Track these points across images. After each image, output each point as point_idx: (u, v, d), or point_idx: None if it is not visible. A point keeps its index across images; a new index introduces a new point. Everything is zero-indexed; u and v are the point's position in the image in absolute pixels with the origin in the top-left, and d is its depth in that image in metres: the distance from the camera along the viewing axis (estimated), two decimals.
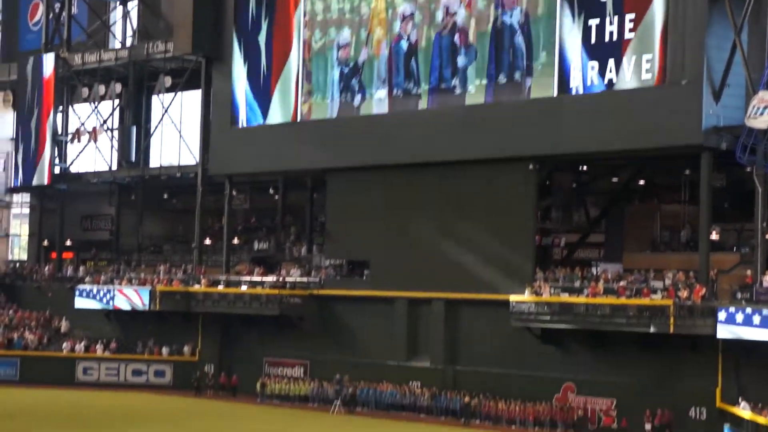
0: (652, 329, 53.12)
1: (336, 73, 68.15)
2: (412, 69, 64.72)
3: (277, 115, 71.14)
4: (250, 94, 72.34)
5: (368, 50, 66.73)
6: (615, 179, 63.72)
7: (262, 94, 71.83)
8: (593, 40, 57.30)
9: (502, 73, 61.13)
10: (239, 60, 72.88)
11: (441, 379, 62.56)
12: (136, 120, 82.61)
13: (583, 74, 57.75)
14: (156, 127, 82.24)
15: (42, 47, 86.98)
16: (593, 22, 57.27)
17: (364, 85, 67.07)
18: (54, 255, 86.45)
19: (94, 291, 76.02)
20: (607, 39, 56.79)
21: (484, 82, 61.76)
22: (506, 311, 58.73)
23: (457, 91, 62.62)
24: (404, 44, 65.19)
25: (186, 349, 73.92)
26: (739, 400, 49.83)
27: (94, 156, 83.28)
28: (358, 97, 67.29)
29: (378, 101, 66.36)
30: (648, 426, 54.40)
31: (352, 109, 67.50)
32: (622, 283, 55.72)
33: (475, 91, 62.02)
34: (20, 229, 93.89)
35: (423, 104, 64.31)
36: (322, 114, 68.81)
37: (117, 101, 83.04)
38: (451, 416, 60.32)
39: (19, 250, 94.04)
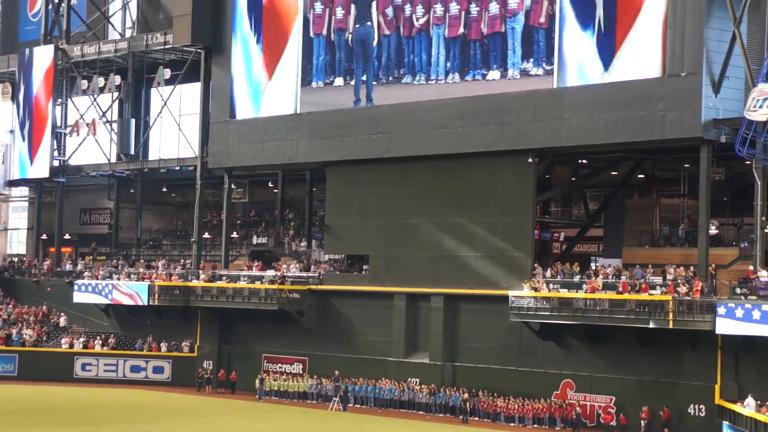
0: (651, 324, 52.56)
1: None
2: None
3: (273, 107, 70.62)
4: (247, 85, 71.79)
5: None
6: (614, 173, 63.21)
7: (257, 85, 71.37)
8: (593, 32, 56.61)
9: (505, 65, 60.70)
10: (238, 52, 72.20)
11: (440, 375, 62.09)
12: (135, 113, 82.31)
13: (583, 67, 57.07)
14: (155, 120, 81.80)
15: (41, 39, 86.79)
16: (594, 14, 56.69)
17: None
18: (52, 249, 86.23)
19: (93, 285, 75.60)
20: (606, 31, 56.08)
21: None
22: (505, 306, 58.19)
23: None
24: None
25: (185, 345, 73.50)
26: (747, 396, 49.08)
27: (93, 149, 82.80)
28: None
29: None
30: (643, 423, 53.88)
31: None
32: (623, 279, 55.07)
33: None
34: (18, 222, 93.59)
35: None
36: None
37: (116, 94, 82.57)
38: (450, 413, 59.81)
39: (17, 244, 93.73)
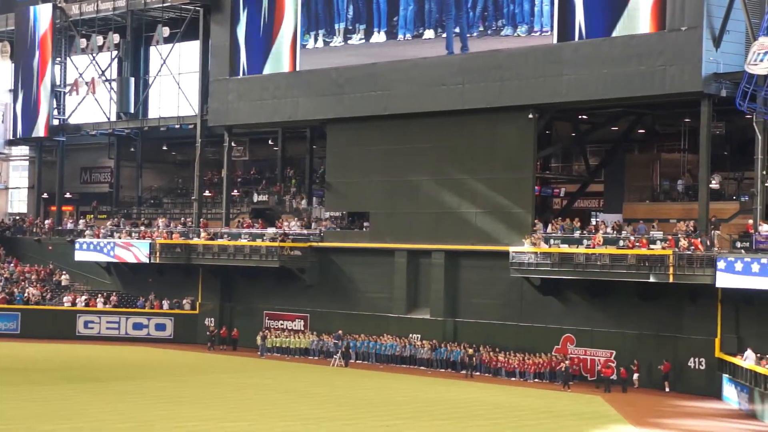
0: (651, 279, 52.78)
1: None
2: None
3: (278, 64, 70.39)
4: (249, 43, 71.46)
5: None
6: (615, 128, 63.19)
7: (263, 42, 70.97)
8: None
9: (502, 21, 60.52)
10: (239, 8, 71.85)
11: (441, 331, 62.28)
12: (134, 71, 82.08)
13: (583, 21, 56.94)
14: (154, 79, 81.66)
15: None
16: None
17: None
18: (53, 208, 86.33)
19: (94, 244, 75.73)
20: None
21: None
22: (506, 262, 58.35)
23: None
24: None
25: (186, 302, 73.72)
26: (746, 349, 49.26)
27: (92, 108, 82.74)
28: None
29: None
30: (636, 376, 54.43)
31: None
32: (625, 234, 55.17)
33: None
34: (19, 181, 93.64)
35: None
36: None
37: (115, 52, 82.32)
38: (451, 368, 60.07)
39: (18, 203, 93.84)
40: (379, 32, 66.22)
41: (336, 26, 67.99)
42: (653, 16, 54.43)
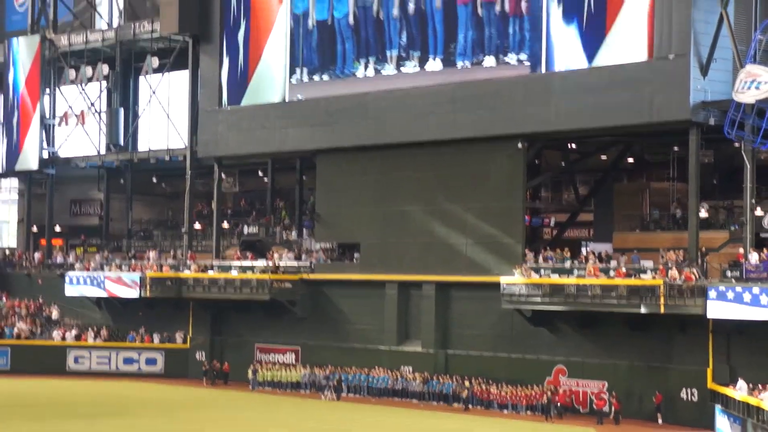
0: (642, 310, 52.31)
1: None
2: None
3: (261, 95, 70.22)
4: (231, 74, 71.36)
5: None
6: (604, 157, 62.99)
7: (242, 74, 70.84)
8: (581, 16, 56.23)
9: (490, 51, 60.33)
10: (226, 40, 71.72)
11: (433, 363, 61.87)
12: (123, 102, 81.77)
13: (571, 51, 56.72)
14: (144, 110, 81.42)
15: (28, 28, 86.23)
16: None
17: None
18: (43, 241, 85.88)
19: (84, 278, 75.31)
20: (594, 13, 55.71)
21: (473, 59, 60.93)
22: (497, 293, 57.90)
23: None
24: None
25: (177, 336, 73.27)
26: (738, 379, 48.90)
27: (82, 140, 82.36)
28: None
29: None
30: (614, 407, 53.88)
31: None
32: (613, 264, 54.92)
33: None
34: (9, 215, 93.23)
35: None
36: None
37: (104, 83, 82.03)
38: (443, 401, 59.62)
39: (8, 237, 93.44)
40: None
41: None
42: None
